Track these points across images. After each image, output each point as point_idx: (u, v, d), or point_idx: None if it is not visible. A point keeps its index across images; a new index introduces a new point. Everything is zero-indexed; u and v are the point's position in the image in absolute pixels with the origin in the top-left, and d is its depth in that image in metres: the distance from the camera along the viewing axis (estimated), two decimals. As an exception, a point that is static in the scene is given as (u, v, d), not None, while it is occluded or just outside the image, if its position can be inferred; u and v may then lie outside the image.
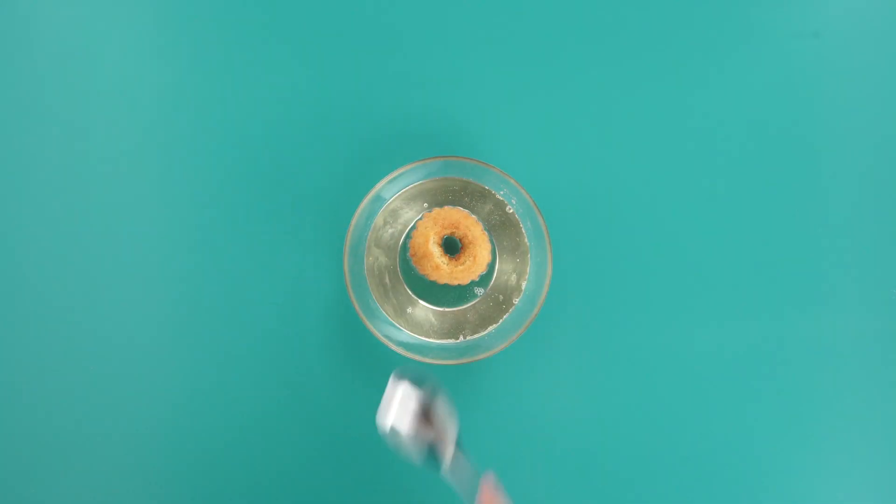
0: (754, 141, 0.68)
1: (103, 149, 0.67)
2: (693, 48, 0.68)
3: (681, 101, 0.67)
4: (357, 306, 0.61)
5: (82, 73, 0.67)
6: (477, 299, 0.65)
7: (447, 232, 0.62)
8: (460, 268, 0.62)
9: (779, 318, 0.67)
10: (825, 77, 0.68)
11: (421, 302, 0.65)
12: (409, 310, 0.65)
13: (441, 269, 0.62)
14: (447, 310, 0.65)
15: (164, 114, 0.67)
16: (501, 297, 0.65)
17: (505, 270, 0.65)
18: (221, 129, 0.67)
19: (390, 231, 0.65)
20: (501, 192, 0.64)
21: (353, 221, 0.61)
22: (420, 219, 0.63)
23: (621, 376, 0.66)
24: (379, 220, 0.64)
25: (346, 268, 0.61)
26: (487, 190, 0.64)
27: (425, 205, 0.65)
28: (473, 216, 0.63)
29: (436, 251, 0.62)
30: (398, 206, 0.65)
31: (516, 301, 0.64)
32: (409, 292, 0.65)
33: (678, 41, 0.68)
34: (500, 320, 0.64)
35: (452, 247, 0.64)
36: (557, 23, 0.68)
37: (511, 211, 0.64)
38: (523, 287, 0.64)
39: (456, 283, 0.62)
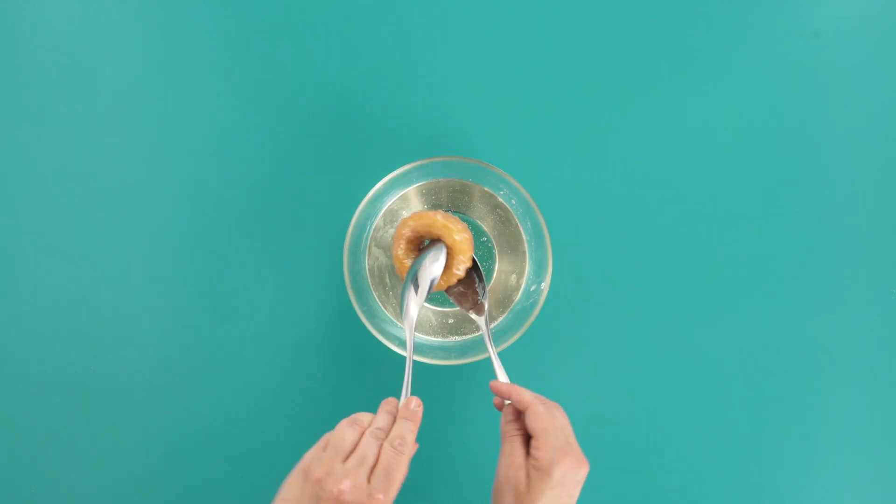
0: (754, 141, 0.68)
1: (104, 149, 0.67)
2: (693, 48, 0.68)
3: (681, 101, 0.67)
4: (357, 306, 0.61)
5: (83, 78, 0.67)
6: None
7: (421, 238, 0.61)
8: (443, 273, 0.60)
9: (779, 318, 0.67)
10: (825, 77, 0.68)
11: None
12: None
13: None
14: (447, 310, 0.65)
15: (163, 115, 0.67)
16: (501, 296, 0.65)
17: (505, 270, 0.65)
18: (221, 130, 0.67)
19: (390, 231, 0.65)
20: (501, 193, 0.64)
21: (353, 221, 0.61)
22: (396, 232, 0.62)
23: (621, 376, 0.66)
24: (379, 220, 0.64)
25: (345, 268, 0.61)
26: (487, 190, 0.64)
27: (420, 207, 0.65)
28: (441, 211, 0.60)
29: (409, 262, 0.60)
30: (398, 207, 0.65)
31: (516, 300, 0.64)
32: (409, 292, 0.65)
33: (678, 41, 0.68)
34: (500, 319, 0.64)
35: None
36: (557, 23, 0.68)
37: (511, 211, 0.64)
38: (523, 287, 0.64)
39: (446, 285, 0.61)
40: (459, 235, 0.60)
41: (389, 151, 0.66)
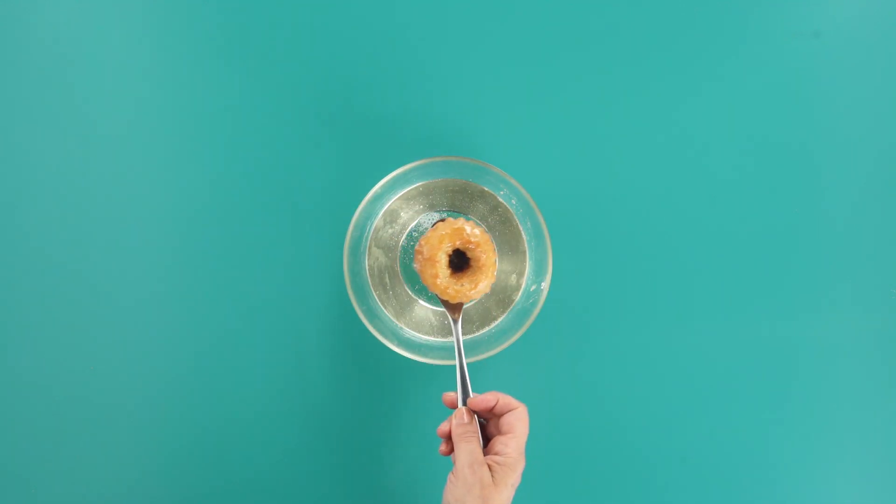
0: (754, 141, 0.68)
1: (102, 149, 0.67)
2: (692, 48, 0.68)
3: (680, 102, 0.67)
4: (357, 306, 0.61)
5: (82, 76, 0.67)
6: (477, 300, 0.65)
7: (461, 246, 0.61)
8: (456, 287, 0.61)
9: (779, 318, 0.67)
10: (825, 77, 0.68)
11: (421, 302, 0.65)
12: (410, 310, 0.65)
13: (439, 279, 0.60)
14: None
15: (163, 115, 0.67)
16: (501, 296, 0.65)
17: (505, 270, 0.65)
18: (221, 129, 0.67)
19: (390, 231, 0.65)
20: (501, 193, 0.64)
21: (353, 221, 0.61)
22: (442, 219, 0.63)
23: (621, 376, 0.67)
24: (379, 220, 0.64)
25: (345, 268, 0.61)
26: (487, 190, 0.64)
27: (420, 207, 0.65)
28: (493, 243, 0.62)
29: (442, 260, 0.61)
30: (398, 207, 0.65)
31: (516, 300, 0.64)
32: (409, 292, 0.65)
33: (677, 41, 0.68)
34: (500, 319, 0.64)
35: (459, 260, 0.63)
36: (557, 23, 0.68)
37: (511, 211, 0.64)
38: (523, 287, 0.64)
39: (445, 297, 0.61)
40: (492, 265, 0.61)
41: (389, 151, 0.66)
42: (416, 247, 0.62)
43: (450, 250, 0.61)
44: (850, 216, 0.67)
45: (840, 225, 0.67)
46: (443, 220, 0.63)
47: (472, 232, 0.60)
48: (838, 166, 0.68)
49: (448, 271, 0.61)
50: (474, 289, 0.61)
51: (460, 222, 0.61)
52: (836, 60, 0.68)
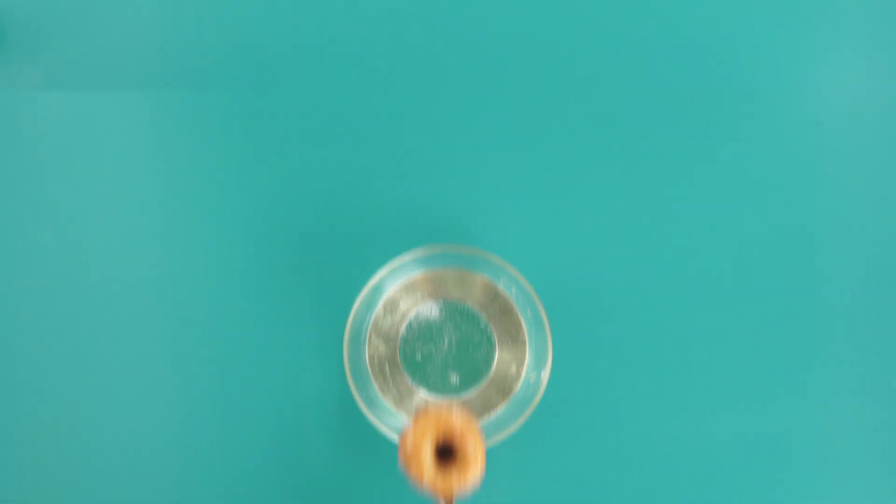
0: (754, 229, 0.67)
1: (99, 229, 0.67)
2: (692, 136, 0.67)
3: (681, 189, 0.67)
4: (358, 397, 0.61)
5: (81, 144, 0.67)
6: (478, 388, 0.65)
7: (445, 437, 0.58)
8: (444, 485, 0.57)
9: (786, 402, 0.67)
10: (826, 167, 0.67)
11: (421, 391, 0.65)
12: (411, 398, 0.65)
13: (424, 476, 0.57)
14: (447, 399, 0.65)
15: (161, 195, 0.67)
16: (501, 385, 0.65)
17: (504, 359, 0.65)
18: (218, 216, 0.67)
19: (390, 321, 0.65)
20: (501, 281, 0.64)
21: (353, 312, 0.61)
22: (423, 406, 0.62)
23: (623, 465, 0.66)
24: (379, 309, 0.64)
25: (345, 358, 0.61)
26: (487, 280, 0.64)
27: (419, 296, 0.65)
28: (475, 425, 0.59)
29: (426, 456, 0.58)
30: (397, 296, 0.65)
31: (516, 390, 0.64)
32: (409, 381, 0.65)
33: (677, 129, 0.67)
34: (499, 407, 0.64)
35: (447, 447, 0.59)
36: (555, 109, 0.67)
37: (511, 301, 0.64)
38: (523, 376, 0.64)
39: (434, 495, 0.58)
40: (481, 453, 0.58)
41: (386, 239, 0.66)
42: (399, 440, 0.59)
43: (434, 445, 0.58)
44: (851, 306, 0.67)
45: (841, 315, 0.67)
46: (424, 407, 0.60)
47: (455, 421, 0.58)
48: (840, 255, 0.67)
49: (434, 467, 0.58)
50: (462, 481, 0.59)
51: (443, 411, 0.58)
52: (838, 150, 0.67)
